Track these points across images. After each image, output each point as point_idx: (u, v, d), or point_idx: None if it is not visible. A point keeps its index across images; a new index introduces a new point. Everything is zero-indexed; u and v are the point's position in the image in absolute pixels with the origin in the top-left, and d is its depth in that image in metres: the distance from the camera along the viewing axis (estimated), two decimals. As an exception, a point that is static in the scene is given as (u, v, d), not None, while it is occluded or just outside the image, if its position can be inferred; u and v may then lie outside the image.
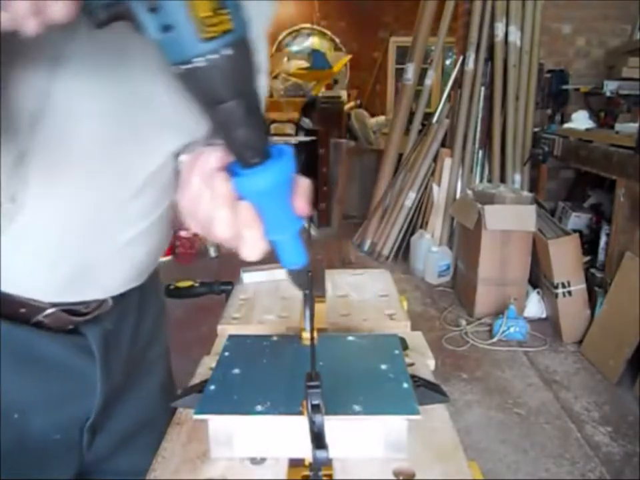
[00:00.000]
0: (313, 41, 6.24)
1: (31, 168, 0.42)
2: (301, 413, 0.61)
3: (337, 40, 6.29)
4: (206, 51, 0.33)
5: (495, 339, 2.71)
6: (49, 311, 0.50)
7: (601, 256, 2.89)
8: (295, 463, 0.67)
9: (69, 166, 0.44)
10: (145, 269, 0.57)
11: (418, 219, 3.82)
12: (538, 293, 2.94)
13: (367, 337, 0.83)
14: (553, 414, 2.14)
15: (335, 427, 0.61)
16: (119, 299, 0.56)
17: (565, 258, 2.72)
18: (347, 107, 5.63)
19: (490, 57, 3.51)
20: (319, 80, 5.03)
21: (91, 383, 0.56)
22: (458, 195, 3.55)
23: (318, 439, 0.54)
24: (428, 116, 3.95)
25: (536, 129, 3.60)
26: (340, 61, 5.26)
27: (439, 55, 4.00)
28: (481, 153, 3.61)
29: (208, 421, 0.63)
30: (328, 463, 0.57)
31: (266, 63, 0.52)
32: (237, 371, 0.72)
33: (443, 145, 3.75)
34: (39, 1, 0.29)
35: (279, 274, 1.19)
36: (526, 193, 3.05)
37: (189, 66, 0.33)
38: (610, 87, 3.34)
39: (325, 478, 0.61)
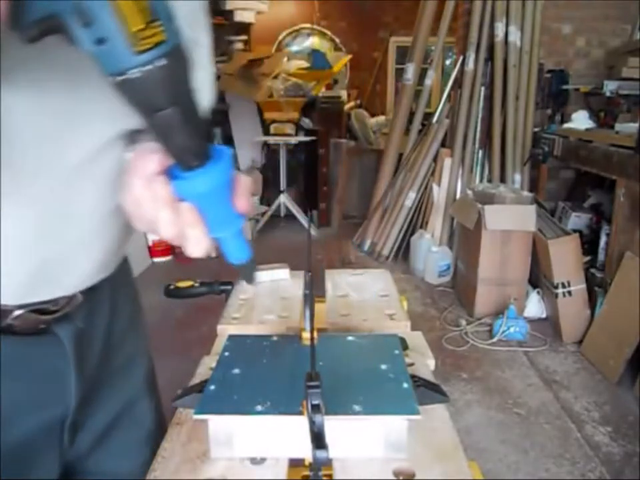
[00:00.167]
0: (313, 41, 6.24)
1: None
2: (301, 413, 0.61)
3: (337, 40, 6.29)
4: (140, 63, 0.33)
5: (494, 339, 2.71)
6: (17, 313, 0.49)
7: (601, 256, 2.89)
8: (295, 463, 0.67)
9: (10, 165, 0.42)
10: (108, 261, 0.57)
11: (418, 219, 3.82)
12: (538, 292, 2.94)
13: (367, 337, 0.83)
14: (553, 414, 2.14)
15: (335, 427, 0.61)
16: (89, 293, 0.56)
17: (564, 258, 2.72)
18: (347, 107, 5.63)
19: (490, 57, 3.51)
20: (319, 80, 5.03)
21: (67, 382, 0.56)
22: (458, 195, 3.55)
23: (318, 439, 0.54)
24: (428, 116, 3.95)
25: (536, 129, 3.60)
26: (340, 61, 5.26)
27: (439, 55, 4.00)
28: (480, 152, 3.61)
29: (208, 421, 0.63)
30: (328, 462, 0.56)
31: (207, 38, 0.52)
32: (237, 370, 0.72)
33: (443, 145, 3.75)
34: None
35: (279, 274, 1.19)
36: (526, 193, 3.05)
37: (124, 77, 0.34)
38: (610, 86, 3.35)
39: (325, 478, 0.61)
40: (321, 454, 0.53)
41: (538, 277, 2.97)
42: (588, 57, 3.87)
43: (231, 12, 5.56)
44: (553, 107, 3.79)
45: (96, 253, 0.54)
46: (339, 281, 1.17)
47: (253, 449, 0.64)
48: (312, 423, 0.56)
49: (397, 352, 0.76)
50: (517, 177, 3.55)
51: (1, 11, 0.30)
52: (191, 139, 0.39)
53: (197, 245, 0.43)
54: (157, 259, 3.91)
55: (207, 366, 0.83)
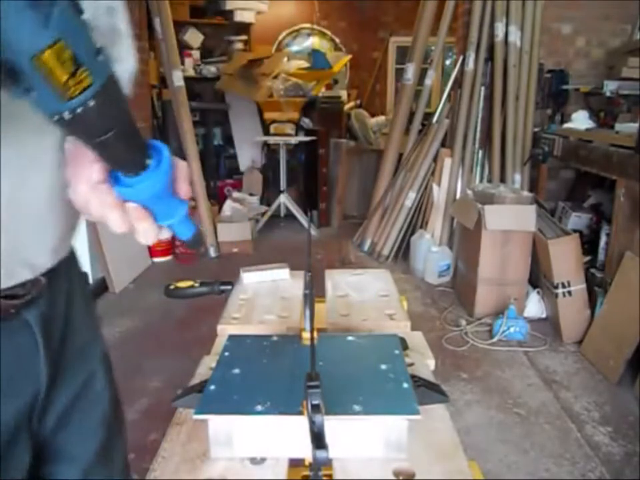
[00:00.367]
0: (313, 41, 6.23)
1: None
2: (301, 413, 0.61)
3: (337, 40, 6.29)
4: (70, 108, 0.36)
5: (494, 339, 2.71)
6: None
7: (601, 256, 2.89)
8: (295, 463, 0.67)
9: None
10: (65, 241, 0.59)
11: (418, 219, 3.82)
12: (538, 292, 2.94)
13: (367, 337, 0.83)
14: (553, 414, 2.14)
15: (335, 426, 0.61)
16: (50, 277, 0.57)
17: (564, 258, 2.72)
18: (347, 107, 5.63)
19: (490, 57, 3.51)
20: (319, 80, 5.03)
21: (37, 365, 0.57)
22: (458, 195, 3.55)
23: (318, 439, 0.54)
24: (428, 116, 3.95)
25: (536, 129, 3.60)
26: (340, 61, 5.25)
27: (439, 55, 4.00)
28: (480, 153, 3.61)
29: (208, 421, 0.63)
30: (328, 463, 0.56)
31: (127, 26, 0.53)
32: (237, 370, 0.72)
33: (443, 145, 3.75)
34: None
35: (279, 274, 1.19)
36: (526, 193, 3.05)
37: (58, 118, 0.36)
38: (610, 86, 3.35)
39: (325, 478, 0.61)
40: (320, 454, 0.53)
41: (538, 277, 2.97)
42: (588, 57, 3.87)
43: (231, 12, 5.56)
44: (553, 107, 3.79)
45: (55, 231, 0.56)
46: (339, 281, 1.17)
47: (253, 448, 0.64)
48: (312, 423, 0.56)
49: (397, 352, 0.76)
50: (517, 177, 3.55)
51: None
52: (130, 152, 0.43)
53: (146, 236, 0.47)
54: (156, 259, 3.91)
55: (206, 366, 0.83)
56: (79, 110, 0.36)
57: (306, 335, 0.78)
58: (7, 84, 0.34)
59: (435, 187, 3.66)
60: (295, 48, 6.07)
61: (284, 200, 4.75)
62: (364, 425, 0.63)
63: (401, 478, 0.61)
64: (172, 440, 0.68)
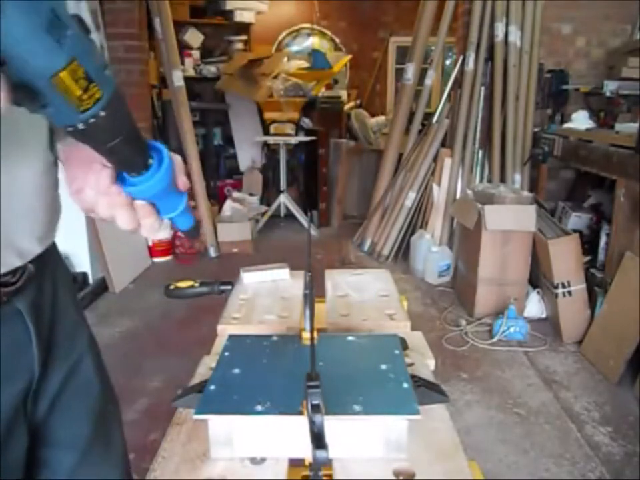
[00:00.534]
0: (313, 41, 6.23)
1: None
2: (301, 413, 0.61)
3: (337, 40, 6.29)
4: (84, 119, 0.40)
5: (495, 339, 2.71)
6: None
7: (601, 256, 2.89)
8: (295, 463, 0.67)
9: None
10: (51, 228, 0.62)
11: (418, 219, 3.82)
12: (538, 292, 2.94)
13: (367, 337, 0.83)
14: (553, 414, 2.14)
15: (335, 426, 0.61)
16: (37, 264, 0.59)
17: (564, 258, 2.72)
18: (347, 107, 5.63)
19: (490, 57, 3.51)
20: (319, 80, 5.03)
21: (30, 351, 0.59)
22: (458, 195, 3.55)
23: (318, 439, 0.54)
24: (428, 116, 3.95)
25: (536, 129, 3.60)
26: (340, 61, 5.25)
27: (439, 55, 4.00)
28: (480, 153, 3.61)
29: (208, 421, 0.63)
30: (328, 463, 0.57)
31: (91, 21, 0.57)
32: (237, 370, 0.72)
33: (443, 145, 3.75)
34: None
35: (279, 274, 1.19)
36: (526, 193, 3.05)
37: (72, 129, 0.41)
38: (610, 87, 3.34)
39: (325, 478, 0.61)
40: (320, 454, 0.53)
41: (538, 277, 2.97)
42: (588, 57, 3.87)
43: (231, 12, 5.56)
44: (553, 107, 3.79)
45: (43, 219, 0.58)
46: (339, 281, 1.17)
47: (252, 448, 0.64)
48: (312, 423, 0.56)
49: (397, 352, 0.76)
50: (517, 177, 3.55)
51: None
52: (135, 154, 0.47)
53: (151, 231, 0.51)
54: (157, 259, 3.91)
55: (206, 366, 0.83)
56: (91, 120, 0.40)
57: (306, 335, 0.78)
58: (24, 102, 0.37)
59: (434, 187, 3.66)
60: (295, 48, 6.06)
61: (284, 200, 4.75)
62: (364, 424, 0.63)
63: (400, 478, 0.61)
64: (172, 440, 0.69)
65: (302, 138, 4.82)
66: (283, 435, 0.63)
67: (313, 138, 4.77)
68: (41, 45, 0.35)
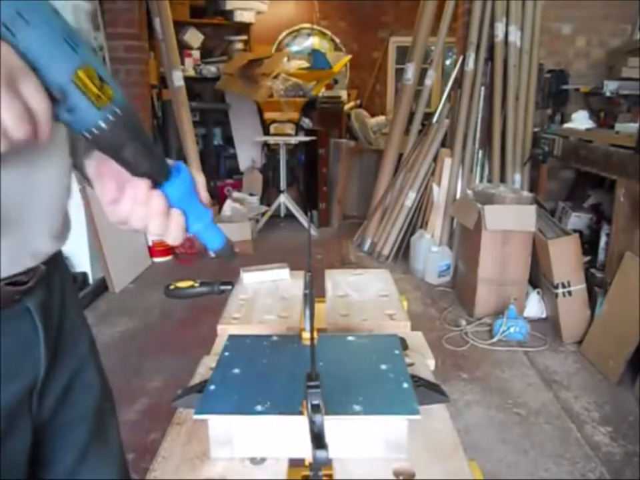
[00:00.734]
0: (313, 41, 6.23)
1: None
2: (301, 413, 0.61)
3: (337, 40, 6.29)
4: (104, 116, 0.44)
5: (495, 339, 2.71)
6: None
7: (601, 256, 2.89)
8: (295, 463, 0.67)
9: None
10: (63, 231, 0.63)
11: (418, 219, 3.82)
12: (538, 293, 2.94)
13: (366, 337, 0.83)
14: (553, 414, 2.14)
15: (335, 426, 0.61)
16: (48, 266, 0.61)
17: (564, 258, 2.72)
18: (347, 107, 5.63)
19: (490, 57, 3.51)
20: (319, 80, 5.03)
21: (37, 350, 0.60)
22: (458, 195, 3.55)
23: (318, 439, 0.54)
24: (428, 116, 3.95)
25: (536, 129, 3.60)
26: (340, 61, 5.25)
27: (439, 55, 4.00)
28: (480, 153, 3.61)
29: (208, 421, 0.63)
30: (328, 463, 0.57)
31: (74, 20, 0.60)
32: (236, 370, 0.72)
33: (443, 145, 3.75)
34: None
35: (279, 274, 1.19)
36: (526, 193, 3.05)
37: (94, 130, 0.44)
38: (610, 87, 3.34)
39: (325, 478, 0.61)
40: (320, 454, 0.53)
41: (538, 277, 2.97)
42: (588, 57, 3.87)
43: (231, 12, 5.56)
44: (553, 107, 3.79)
45: (57, 221, 0.60)
46: (339, 281, 1.17)
47: (253, 448, 0.64)
48: (312, 423, 0.56)
49: (397, 352, 0.76)
50: (517, 177, 3.55)
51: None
52: (156, 158, 0.51)
53: (177, 238, 0.54)
54: (157, 259, 3.91)
55: (206, 366, 0.83)
56: (110, 117, 0.44)
57: (306, 335, 0.78)
58: (53, 109, 0.42)
59: (434, 187, 3.66)
60: (295, 48, 6.06)
61: (284, 200, 4.75)
62: (364, 424, 0.63)
63: (400, 478, 0.61)
64: (172, 440, 0.69)
65: (302, 138, 4.82)
66: (282, 435, 0.63)
67: (313, 138, 4.77)
68: (60, 50, 0.41)
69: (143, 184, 0.50)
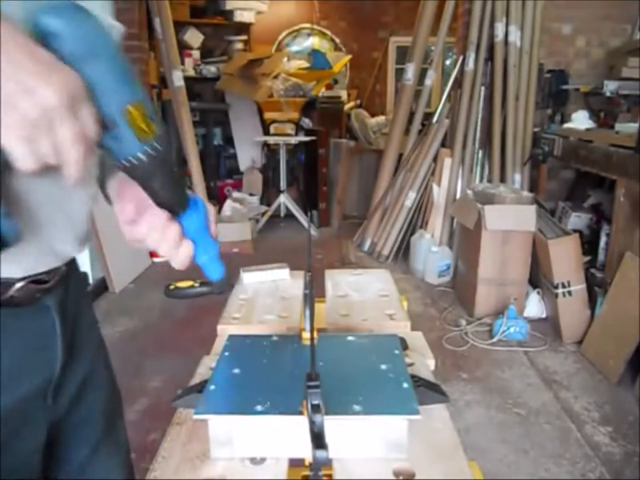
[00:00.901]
0: (313, 41, 6.23)
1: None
2: (301, 413, 0.61)
3: (337, 40, 6.29)
4: (144, 150, 0.48)
5: (495, 339, 2.71)
6: (19, 285, 0.54)
7: (601, 256, 2.89)
8: (295, 463, 0.67)
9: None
10: (87, 236, 0.65)
11: (418, 219, 3.82)
12: (538, 293, 2.94)
13: (366, 337, 0.83)
14: (553, 414, 2.14)
15: (335, 426, 0.61)
16: (68, 266, 0.63)
17: (564, 258, 2.72)
18: (347, 107, 5.63)
19: (490, 57, 3.51)
20: (319, 80, 5.03)
21: (55, 348, 0.61)
22: (458, 195, 3.55)
23: (318, 439, 0.54)
24: (428, 116, 3.95)
25: (536, 129, 3.60)
26: (340, 61, 5.25)
27: (439, 55, 4.00)
28: (480, 153, 3.61)
29: (208, 421, 0.63)
30: (328, 463, 0.57)
31: (110, 17, 0.63)
32: (236, 370, 0.72)
33: (443, 145, 3.75)
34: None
35: (279, 274, 1.19)
36: (526, 193, 3.05)
37: (133, 160, 0.48)
38: (610, 87, 3.34)
39: (325, 478, 0.61)
40: (320, 454, 0.53)
41: (538, 277, 2.97)
42: (588, 57, 3.87)
43: (231, 12, 5.56)
44: (553, 107, 3.79)
45: (83, 226, 0.62)
46: (339, 281, 1.17)
47: (253, 448, 0.64)
48: (312, 423, 0.56)
49: (397, 352, 0.76)
50: (517, 177, 3.55)
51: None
52: (180, 190, 0.55)
53: (182, 264, 0.58)
54: (157, 259, 3.91)
55: (206, 366, 0.83)
56: (149, 151, 0.48)
57: (306, 335, 0.78)
58: (100, 135, 0.45)
59: (434, 187, 3.66)
60: (295, 48, 6.06)
61: (284, 200, 4.75)
62: (364, 424, 0.63)
63: (400, 478, 0.61)
64: (172, 440, 0.69)
65: (302, 138, 4.82)
66: (282, 435, 0.63)
67: (313, 138, 4.77)
68: (119, 84, 0.46)
69: (163, 215, 0.55)
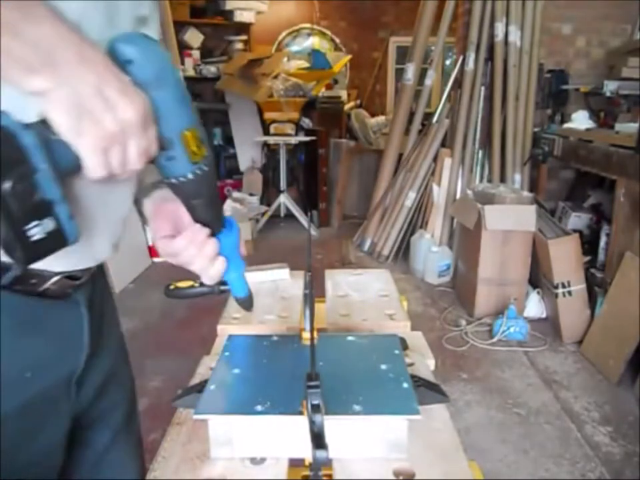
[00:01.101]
0: (313, 41, 6.23)
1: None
2: (301, 413, 0.61)
3: (337, 40, 6.28)
4: (193, 169, 0.53)
5: (495, 339, 2.71)
6: (55, 278, 0.57)
7: (601, 256, 2.89)
8: (295, 463, 0.67)
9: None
10: (120, 240, 0.69)
11: (418, 219, 3.82)
12: (538, 293, 2.94)
13: (367, 337, 0.83)
14: (553, 414, 2.14)
15: (335, 426, 0.61)
16: (99, 265, 0.67)
17: (564, 258, 2.72)
18: (347, 107, 5.62)
19: (490, 57, 3.51)
20: (319, 80, 5.03)
21: (80, 342, 0.64)
22: (458, 195, 3.55)
23: (318, 439, 0.54)
24: (428, 116, 3.95)
25: (536, 129, 3.60)
26: (340, 61, 5.25)
27: (439, 55, 4.00)
28: (480, 153, 3.61)
29: (208, 421, 0.63)
30: (328, 463, 0.57)
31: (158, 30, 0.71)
32: (236, 371, 0.72)
33: (443, 145, 3.75)
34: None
35: (279, 274, 1.19)
36: (526, 193, 3.05)
37: (181, 179, 0.54)
38: (610, 86, 3.34)
39: (325, 478, 0.61)
40: (320, 454, 0.53)
41: (538, 277, 2.97)
42: (588, 57, 3.87)
43: (231, 12, 5.56)
44: (553, 107, 3.79)
45: (118, 232, 0.66)
46: (339, 281, 1.17)
47: (253, 448, 0.64)
48: (312, 423, 0.56)
49: (397, 352, 0.76)
50: (517, 177, 3.55)
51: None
52: (219, 211, 0.61)
53: (213, 279, 0.64)
54: (157, 259, 3.91)
55: (206, 366, 0.83)
56: (198, 171, 0.54)
57: (306, 335, 0.78)
58: (157, 153, 0.50)
59: (434, 187, 3.66)
60: (295, 48, 6.06)
61: (284, 200, 4.75)
62: (364, 424, 0.63)
63: (400, 478, 0.61)
64: (172, 440, 0.69)
65: (302, 138, 4.82)
66: (282, 435, 0.63)
67: (313, 138, 4.77)
68: (179, 110, 0.51)
69: (204, 231, 0.60)
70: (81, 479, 0.73)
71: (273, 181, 4.96)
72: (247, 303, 0.72)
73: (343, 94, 5.60)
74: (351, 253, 4.06)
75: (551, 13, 3.63)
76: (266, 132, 4.99)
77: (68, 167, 0.46)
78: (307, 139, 4.78)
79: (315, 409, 0.56)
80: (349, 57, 5.59)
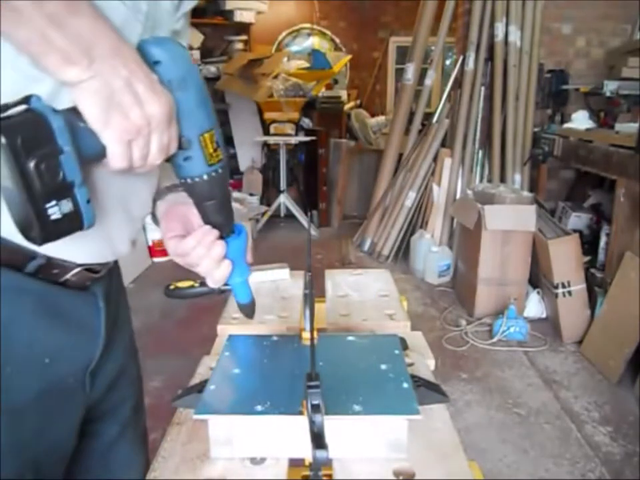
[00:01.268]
0: (313, 41, 6.24)
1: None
2: (301, 413, 0.61)
3: (337, 40, 6.29)
4: (209, 171, 0.55)
5: (495, 339, 2.71)
6: (76, 270, 0.59)
7: (600, 256, 2.89)
8: (295, 463, 0.67)
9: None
10: (139, 233, 0.71)
11: (418, 219, 3.82)
12: (538, 293, 2.94)
13: (367, 337, 0.83)
14: (553, 414, 2.14)
15: (334, 426, 0.61)
16: (115, 261, 0.70)
17: (565, 258, 2.72)
18: (347, 107, 5.62)
19: (490, 57, 3.51)
20: (319, 80, 5.03)
21: (96, 333, 0.65)
22: (458, 195, 3.55)
23: (318, 439, 0.54)
24: (428, 116, 3.95)
25: (536, 129, 3.60)
26: (340, 61, 5.25)
27: (439, 55, 4.00)
28: (480, 153, 3.61)
29: (208, 421, 0.63)
30: (328, 463, 0.57)
31: (188, 36, 0.72)
32: (237, 370, 0.72)
33: (443, 145, 3.75)
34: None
35: (279, 274, 1.19)
36: (526, 193, 3.05)
37: (196, 180, 0.56)
38: (610, 86, 3.34)
39: (325, 478, 0.61)
40: (320, 454, 0.53)
41: (538, 277, 2.97)
42: (588, 57, 3.87)
43: (231, 12, 5.56)
44: (553, 107, 3.79)
45: (137, 229, 0.68)
46: (339, 281, 1.17)
47: (252, 448, 0.64)
48: (312, 423, 0.56)
49: (397, 352, 0.76)
50: (517, 177, 3.55)
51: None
52: (230, 214, 0.62)
53: (218, 282, 0.65)
54: (156, 259, 3.91)
55: (206, 366, 0.83)
56: (213, 173, 0.55)
57: (306, 335, 0.78)
58: (175, 152, 0.52)
59: (435, 187, 3.66)
60: (295, 48, 6.07)
61: (284, 200, 4.75)
62: (364, 424, 0.63)
63: (401, 478, 0.61)
64: (172, 440, 0.69)
65: (302, 138, 4.82)
66: (282, 435, 0.63)
67: (313, 138, 4.77)
68: (200, 113, 0.53)
69: (214, 232, 0.61)
70: (88, 470, 0.75)
71: (272, 181, 4.96)
72: (248, 310, 0.73)
73: (343, 94, 5.60)
74: (351, 252, 4.06)
75: (551, 13, 3.63)
76: (266, 132, 4.99)
77: (91, 154, 0.47)
78: (307, 139, 4.78)
79: (315, 409, 0.56)
80: (349, 57, 5.60)
